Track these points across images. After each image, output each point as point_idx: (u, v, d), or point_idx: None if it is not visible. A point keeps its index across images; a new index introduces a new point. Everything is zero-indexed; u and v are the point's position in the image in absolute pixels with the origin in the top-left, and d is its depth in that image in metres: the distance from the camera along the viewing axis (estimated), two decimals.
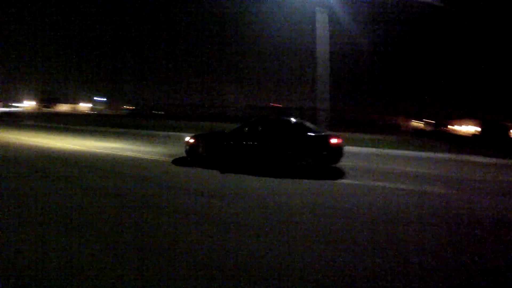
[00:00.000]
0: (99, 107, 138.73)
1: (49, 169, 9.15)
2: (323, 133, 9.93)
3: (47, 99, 62.96)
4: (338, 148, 9.35)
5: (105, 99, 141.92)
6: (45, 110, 67.29)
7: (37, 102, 78.78)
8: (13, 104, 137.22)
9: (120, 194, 6.79)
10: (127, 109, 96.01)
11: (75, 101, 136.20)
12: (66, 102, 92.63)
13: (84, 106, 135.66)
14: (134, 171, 9.21)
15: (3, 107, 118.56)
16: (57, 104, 63.72)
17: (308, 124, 10.35)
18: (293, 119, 10.12)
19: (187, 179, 8.62)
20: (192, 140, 10.46)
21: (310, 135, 9.48)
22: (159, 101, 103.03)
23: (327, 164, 9.56)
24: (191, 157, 10.38)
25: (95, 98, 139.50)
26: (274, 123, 10.08)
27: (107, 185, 7.57)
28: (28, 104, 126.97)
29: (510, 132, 47.00)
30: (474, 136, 49.35)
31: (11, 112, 49.30)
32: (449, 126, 66.02)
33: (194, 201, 6.47)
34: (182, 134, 19.86)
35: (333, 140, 9.21)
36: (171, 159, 11.20)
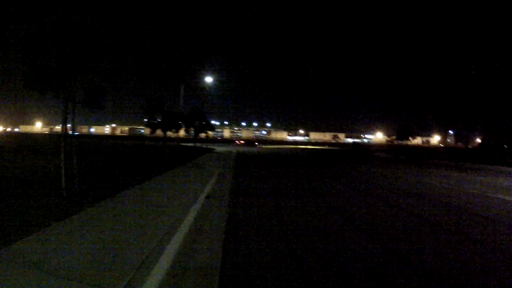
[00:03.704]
0: (449, 140, 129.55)
1: None
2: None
3: (402, 132, 58.13)
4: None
5: (452, 132, 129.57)
6: (397, 143, 63.36)
7: (387, 135, 79.49)
8: (364, 136, 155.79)
9: None
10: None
11: (429, 134, 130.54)
12: (420, 135, 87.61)
13: (436, 140, 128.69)
14: None
15: (354, 138, 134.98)
16: (410, 138, 57.78)
17: None
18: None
19: None
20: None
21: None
22: None
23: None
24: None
25: (450, 131, 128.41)
26: (250, 140, 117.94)
27: None
28: (377, 137, 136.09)
29: None
30: None
31: (360, 144, 49.64)
32: None
33: None
34: None
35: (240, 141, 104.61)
36: None
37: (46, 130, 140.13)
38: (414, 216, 8.19)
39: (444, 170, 23.70)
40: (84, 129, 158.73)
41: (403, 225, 7.20)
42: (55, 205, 6.73)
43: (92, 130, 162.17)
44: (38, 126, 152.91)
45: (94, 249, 4.48)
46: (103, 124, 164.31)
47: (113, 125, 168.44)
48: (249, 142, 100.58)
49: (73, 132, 8.36)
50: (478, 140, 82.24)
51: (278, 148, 72.14)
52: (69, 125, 7.99)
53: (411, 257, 5.14)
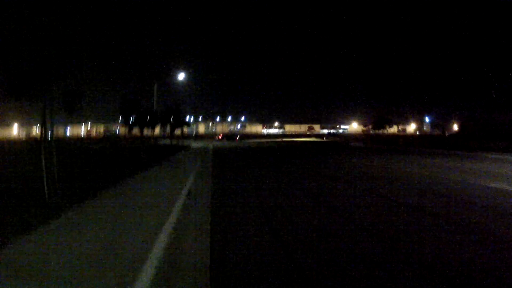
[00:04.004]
0: (426, 128, 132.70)
1: None
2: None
3: (377, 122, 59.34)
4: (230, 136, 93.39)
5: (428, 119, 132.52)
6: (374, 132, 64.71)
7: (363, 125, 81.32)
8: (339, 126, 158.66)
9: None
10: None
11: (405, 122, 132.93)
12: (396, 123, 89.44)
13: (412, 128, 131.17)
14: None
15: (330, 129, 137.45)
16: (387, 127, 58.58)
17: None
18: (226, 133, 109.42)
19: None
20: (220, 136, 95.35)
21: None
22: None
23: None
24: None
25: (426, 118, 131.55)
26: (230, 134, 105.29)
27: None
28: (353, 127, 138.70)
29: None
30: None
31: (336, 134, 52.21)
32: None
33: None
34: None
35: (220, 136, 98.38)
36: None
37: (23, 136, 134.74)
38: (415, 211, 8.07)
39: (426, 158, 23.47)
40: (60, 131, 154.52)
41: (404, 223, 6.73)
42: (39, 210, 6.58)
43: (68, 130, 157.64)
44: (15, 133, 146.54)
45: (80, 254, 4.47)
46: (78, 124, 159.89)
47: (89, 124, 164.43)
48: (229, 136, 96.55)
49: (51, 136, 8.15)
50: (455, 127, 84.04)
51: (261, 142, 72.14)
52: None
53: (413, 255, 4.99)
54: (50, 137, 8.12)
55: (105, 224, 5.86)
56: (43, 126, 7.22)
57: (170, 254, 4.95)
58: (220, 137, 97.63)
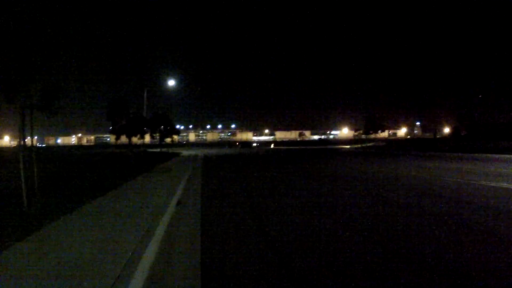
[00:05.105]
0: (416, 131, 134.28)
1: None
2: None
3: (369, 126, 59.70)
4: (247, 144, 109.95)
5: (418, 123, 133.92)
6: (365, 137, 65.00)
7: (354, 130, 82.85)
8: (329, 132, 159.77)
9: None
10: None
11: (395, 126, 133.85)
12: (388, 128, 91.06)
13: (403, 132, 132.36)
14: None
15: (320, 135, 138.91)
16: (378, 132, 58.82)
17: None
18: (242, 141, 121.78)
19: None
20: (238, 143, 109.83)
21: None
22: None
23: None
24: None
25: (417, 122, 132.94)
26: (245, 142, 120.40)
27: None
28: (343, 132, 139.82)
29: None
30: None
31: (328, 140, 53.39)
32: None
33: None
34: None
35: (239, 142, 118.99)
36: None
37: (14, 144, 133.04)
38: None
39: (421, 160, 23.73)
40: (51, 141, 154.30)
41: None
42: (17, 221, 6.02)
43: (59, 141, 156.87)
44: (6, 140, 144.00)
45: (59, 270, 3.95)
46: (69, 134, 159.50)
47: (79, 134, 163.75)
48: (246, 144, 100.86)
49: (32, 140, 7.57)
50: (446, 130, 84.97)
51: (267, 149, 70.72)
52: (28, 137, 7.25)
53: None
54: (31, 141, 7.57)
55: (83, 238, 5.32)
56: (22, 129, 6.66)
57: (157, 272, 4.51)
58: (238, 144, 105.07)
